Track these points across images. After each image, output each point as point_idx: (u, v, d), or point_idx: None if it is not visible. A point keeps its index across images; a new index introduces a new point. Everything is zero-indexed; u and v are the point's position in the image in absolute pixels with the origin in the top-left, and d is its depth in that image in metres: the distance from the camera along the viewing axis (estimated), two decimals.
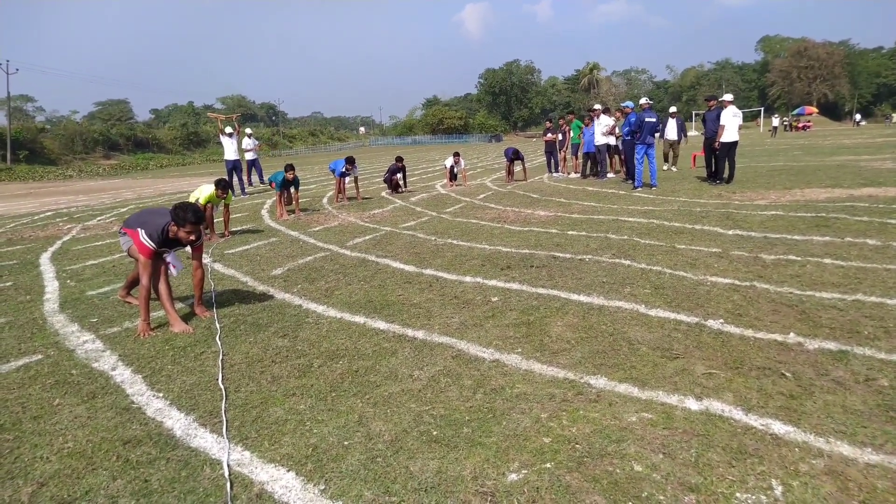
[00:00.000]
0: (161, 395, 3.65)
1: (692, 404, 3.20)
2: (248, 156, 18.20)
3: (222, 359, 4.19)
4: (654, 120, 13.42)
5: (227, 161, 16.79)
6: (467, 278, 6.07)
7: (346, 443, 2.98)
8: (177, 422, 3.28)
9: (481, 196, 13.56)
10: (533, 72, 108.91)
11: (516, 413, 3.20)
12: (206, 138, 73.30)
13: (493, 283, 5.86)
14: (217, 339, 4.59)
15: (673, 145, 18.41)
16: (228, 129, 16.83)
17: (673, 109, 19.21)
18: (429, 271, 6.45)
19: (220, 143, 19.77)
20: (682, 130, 18.52)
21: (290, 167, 11.53)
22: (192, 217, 4.74)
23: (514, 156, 16.84)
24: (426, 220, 10.28)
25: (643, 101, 14.02)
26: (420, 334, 4.49)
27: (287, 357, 4.20)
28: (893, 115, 76.27)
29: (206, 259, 7.38)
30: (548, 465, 2.70)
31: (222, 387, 3.70)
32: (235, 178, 16.65)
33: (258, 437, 3.08)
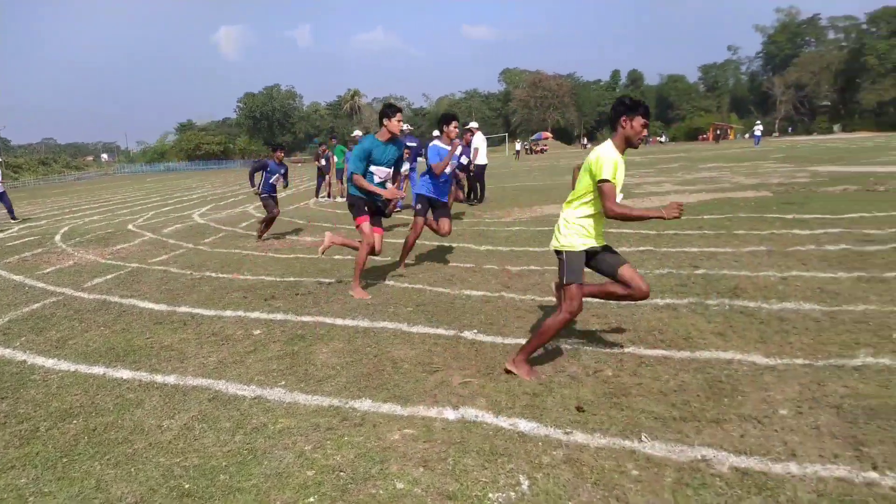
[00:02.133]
0: None
1: (450, 414, 3.35)
2: None
3: None
4: (414, 145, 14.04)
5: None
6: (227, 312, 5.75)
7: None
8: None
9: (244, 224, 13.02)
10: (294, 97, 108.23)
11: (279, 450, 3.08)
12: None
13: (255, 315, 5.62)
14: None
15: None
16: None
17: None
18: (183, 308, 5.98)
19: None
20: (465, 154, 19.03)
21: None
22: None
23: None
24: (181, 252, 9.57)
25: (405, 127, 14.59)
26: (171, 379, 4.13)
27: (4, 424, 3.59)
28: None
29: None
30: (311, 500, 2.63)
31: None
32: None
33: None
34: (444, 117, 7.09)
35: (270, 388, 3.89)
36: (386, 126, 6.03)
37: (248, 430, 3.33)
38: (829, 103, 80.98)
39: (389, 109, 6.04)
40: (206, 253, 9.40)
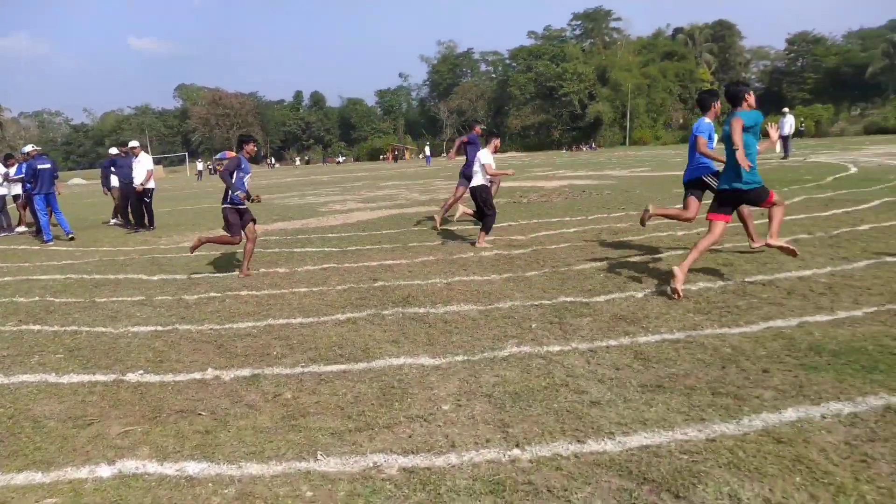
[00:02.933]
0: None
1: (104, 471, 2.94)
2: None
3: None
4: (48, 166, 12.36)
5: None
6: None
7: None
8: None
9: None
10: None
11: None
12: None
13: None
14: None
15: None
16: None
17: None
18: None
19: None
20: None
21: None
22: None
23: None
24: None
25: (29, 148, 12.81)
26: None
27: None
28: (297, 158, 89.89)
29: None
30: None
31: None
32: None
33: None
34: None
35: None
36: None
37: None
38: (485, 127, 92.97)
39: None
40: None
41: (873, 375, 3.42)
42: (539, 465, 2.74)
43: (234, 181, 7.35)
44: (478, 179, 8.62)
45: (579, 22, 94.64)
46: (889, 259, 5.95)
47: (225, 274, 7.66)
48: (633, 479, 2.58)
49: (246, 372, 4.21)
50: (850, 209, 9.27)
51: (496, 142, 8.45)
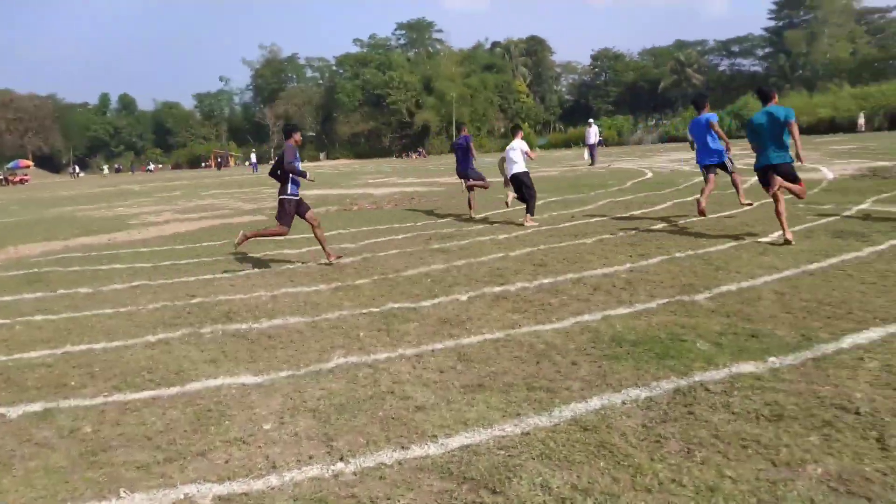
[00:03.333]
0: None
1: None
2: None
3: None
4: None
5: None
6: None
7: None
8: None
9: None
10: None
11: None
12: None
13: None
14: None
15: None
16: None
17: None
18: None
19: None
20: None
21: None
22: None
23: None
24: None
25: None
26: None
27: None
28: (105, 166, 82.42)
29: None
30: None
31: None
32: None
33: None
34: None
35: None
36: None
37: None
38: (314, 133, 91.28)
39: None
40: None
41: (665, 361, 3.79)
42: (363, 477, 2.71)
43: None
44: (520, 166, 9.80)
45: (403, 32, 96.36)
46: (678, 255, 6.67)
47: (14, 297, 6.79)
48: (453, 479, 2.64)
49: (37, 406, 3.75)
50: (646, 210, 10.30)
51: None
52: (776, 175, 6.84)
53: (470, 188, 11.13)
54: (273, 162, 8.63)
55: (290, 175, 7.47)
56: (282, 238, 8.41)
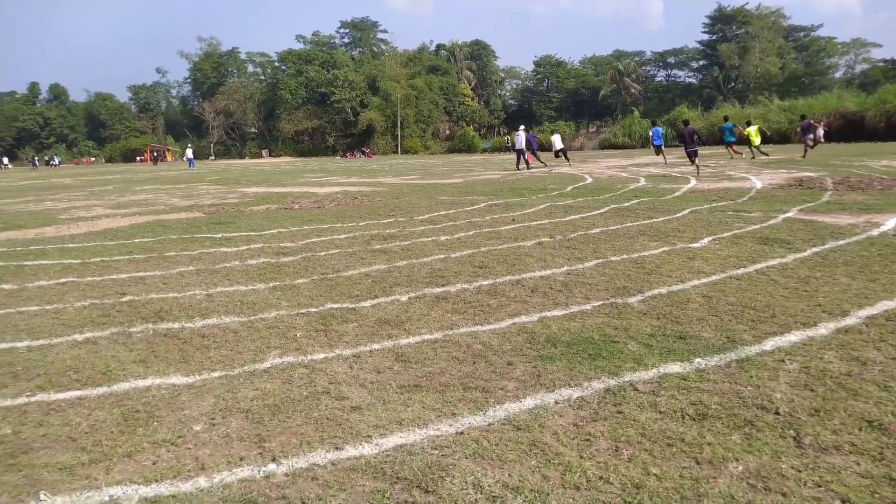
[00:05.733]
0: None
1: None
2: None
3: None
4: None
5: None
6: None
7: None
8: None
9: None
10: None
11: None
12: None
13: None
14: None
15: None
16: None
17: None
18: None
19: None
20: None
21: None
22: None
23: None
24: None
25: None
26: None
27: None
28: (36, 157, 78.57)
29: None
30: None
31: None
32: None
33: None
34: None
35: None
36: None
37: None
38: (257, 130, 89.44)
39: None
40: None
41: (597, 362, 3.90)
42: (295, 478, 2.69)
43: None
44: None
45: (347, 30, 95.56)
46: (613, 258, 6.85)
47: None
48: (386, 479, 2.65)
49: None
50: (584, 215, 10.53)
51: None
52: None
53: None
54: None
55: None
56: (219, 236, 8.22)
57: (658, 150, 26.95)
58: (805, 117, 26.87)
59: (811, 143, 23.60)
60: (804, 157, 22.92)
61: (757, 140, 24.60)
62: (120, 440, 3.09)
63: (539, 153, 27.98)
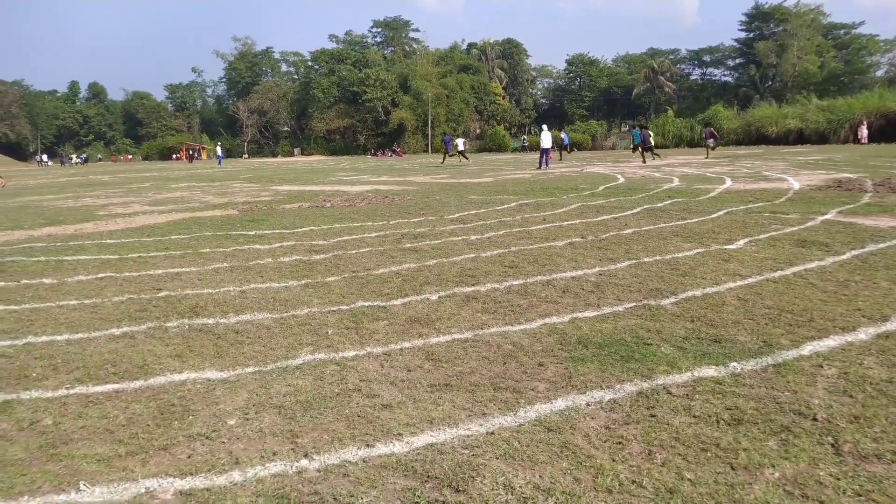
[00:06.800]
0: None
1: None
2: None
3: None
4: None
5: None
6: None
7: None
8: None
9: None
10: None
11: None
12: None
13: None
14: None
15: None
16: None
17: None
18: None
19: None
20: None
21: None
22: None
23: None
24: None
25: None
26: None
27: None
28: (73, 155, 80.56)
29: None
30: None
31: None
32: None
33: None
34: None
35: None
36: None
37: None
38: (289, 129, 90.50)
39: None
40: None
41: (630, 364, 3.85)
42: (327, 474, 2.71)
43: None
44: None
45: (379, 29, 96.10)
46: (646, 260, 6.77)
47: None
48: (417, 477, 2.65)
49: None
50: (617, 215, 10.42)
51: None
52: None
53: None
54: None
55: None
56: (252, 234, 8.32)
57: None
58: (709, 125, 40.11)
59: (712, 147, 32.63)
60: (707, 157, 29.75)
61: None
62: (156, 433, 3.15)
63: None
